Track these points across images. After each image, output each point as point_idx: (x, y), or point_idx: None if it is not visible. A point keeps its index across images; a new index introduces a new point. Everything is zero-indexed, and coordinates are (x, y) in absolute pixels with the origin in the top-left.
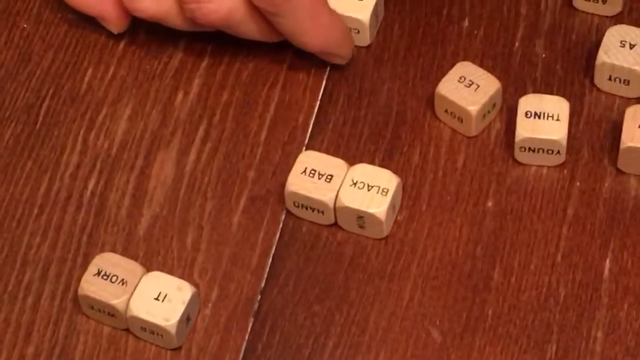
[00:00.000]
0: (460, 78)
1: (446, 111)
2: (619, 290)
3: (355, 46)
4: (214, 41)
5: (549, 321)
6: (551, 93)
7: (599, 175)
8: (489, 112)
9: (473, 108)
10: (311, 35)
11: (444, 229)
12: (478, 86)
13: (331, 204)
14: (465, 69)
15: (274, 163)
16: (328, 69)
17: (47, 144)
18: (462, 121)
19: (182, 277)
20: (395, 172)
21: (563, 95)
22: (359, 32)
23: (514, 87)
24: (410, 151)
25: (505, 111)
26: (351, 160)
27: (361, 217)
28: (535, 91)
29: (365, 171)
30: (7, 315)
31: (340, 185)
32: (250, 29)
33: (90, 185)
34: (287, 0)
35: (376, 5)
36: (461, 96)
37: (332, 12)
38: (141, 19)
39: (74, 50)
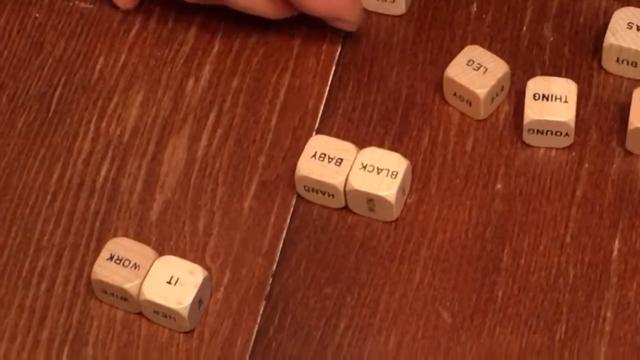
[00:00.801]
0: (469, 61)
1: (455, 94)
2: (627, 270)
3: (383, 17)
4: (224, 28)
5: (558, 301)
6: (559, 76)
7: (608, 156)
8: (497, 95)
9: (481, 91)
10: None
11: (453, 211)
12: (486, 69)
13: (341, 188)
14: (473, 52)
15: (284, 148)
16: (337, 54)
17: (59, 131)
18: (470, 104)
19: (194, 261)
20: (404, 155)
21: (571, 78)
22: (394, 0)
23: (522, 70)
24: (420, 135)
25: (514, 94)
26: (361, 144)
27: (371, 200)
28: (543, 74)
29: (374, 154)
30: (22, 300)
31: (350, 169)
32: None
33: (103, 172)
34: None
35: None
36: (470, 79)
37: None
38: None
39: (85, 38)
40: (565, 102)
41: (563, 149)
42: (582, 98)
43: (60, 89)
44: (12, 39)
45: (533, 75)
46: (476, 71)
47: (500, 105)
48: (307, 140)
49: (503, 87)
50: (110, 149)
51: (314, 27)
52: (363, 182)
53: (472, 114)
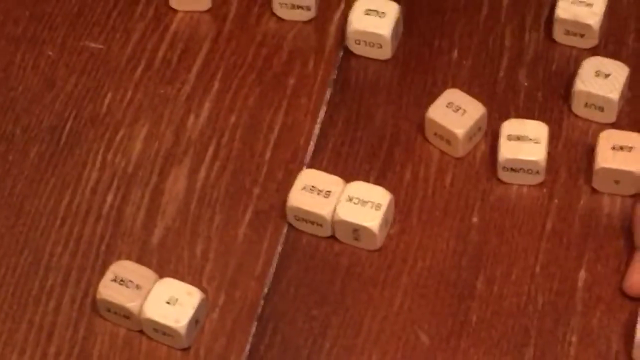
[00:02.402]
0: (449, 104)
1: (435, 134)
2: (592, 298)
3: (370, 61)
4: (224, 69)
5: (527, 326)
6: (532, 118)
7: (575, 193)
8: (474, 135)
9: (460, 131)
10: None
11: (432, 241)
12: (465, 111)
13: (329, 218)
14: (453, 95)
15: (277, 180)
16: (328, 94)
17: (69, 161)
18: (450, 143)
19: (192, 283)
20: (388, 189)
21: (543, 120)
22: (381, 46)
23: (498, 112)
24: (403, 170)
25: (490, 134)
26: (348, 178)
27: (356, 230)
28: (517, 116)
29: (360, 188)
30: (31, 317)
31: (338, 201)
32: None
33: (109, 199)
34: None
35: (397, 21)
36: (449, 120)
37: None
38: None
39: (95, 76)
40: (537, 142)
41: (535, 185)
42: (553, 139)
43: (70, 122)
44: (26, 75)
45: (508, 117)
46: (455, 113)
47: (477, 144)
48: (298, 174)
49: (480, 127)
50: (115, 178)
51: (307, 71)
52: (349, 213)
53: (451, 152)
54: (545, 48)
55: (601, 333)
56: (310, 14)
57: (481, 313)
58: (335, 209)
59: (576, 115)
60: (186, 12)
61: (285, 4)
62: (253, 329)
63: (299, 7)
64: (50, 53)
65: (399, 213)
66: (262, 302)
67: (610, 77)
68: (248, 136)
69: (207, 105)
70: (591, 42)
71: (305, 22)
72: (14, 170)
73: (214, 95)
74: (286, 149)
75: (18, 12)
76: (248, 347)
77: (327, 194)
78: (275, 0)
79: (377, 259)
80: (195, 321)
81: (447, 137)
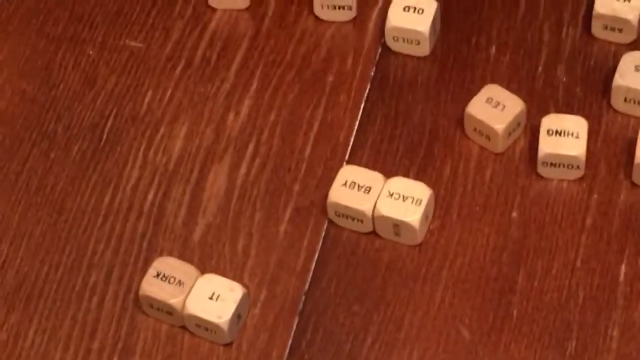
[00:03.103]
0: (488, 99)
1: (475, 129)
2: (633, 292)
3: (408, 58)
4: (263, 67)
5: (569, 321)
6: (571, 113)
7: (615, 188)
8: (514, 130)
9: (500, 126)
10: None
11: (472, 236)
12: (504, 106)
13: (369, 214)
14: (492, 91)
15: (317, 177)
16: (367, 91)
17: (110, 159)
18: (489, 139)
19: (233, 279)
20: (428, 184)
21: (582, 115)
22: (419, 43)
23: (537, 107)
24: (442, 166)
25: (529, 130)
26: (388, 174)
27: (397, 225)
28: (556, 111)
29: (400, 183)
30: (75, 313)
31: (378, 196)
32: None
33: (150, 197)
34: None
35: (435, 17)
36: (489, 116)
37: None
38: None
39: (135, 74)
40: (577, 137)
41: (574, 180)
42: (592, 134)
43: (111, 120)
44: (67, 74)
45: (547, 112)
46: (495, 108)
47: (516, 140)
48: (338, 170)
49: (519, 123)
50: (157, 175)
51: (346, 68)
52: (390, 209)
53: (491, 147)
54: (583, 43)
55: None
56: (352, 14)
57: (522, 308)
58: (375, 205)
59: (615, 110)
60: (225, 10)
61: (327, 5)
62: (294, 325)
63: (340, 7)
64: (91, 52)
65: (439, 208)
66: (303, 297)
67: None
68: (288, 133)
69: (246, 102)
70: (630, 37)
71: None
72: (55, 168)
73: (253, 92)
74: (326, 145)
75: (58, 12)
76: (290, 342)
77: (368, 189)
78: (316, 2)
79: (418, 255)
80: (237, 316)
81: (487, 132)
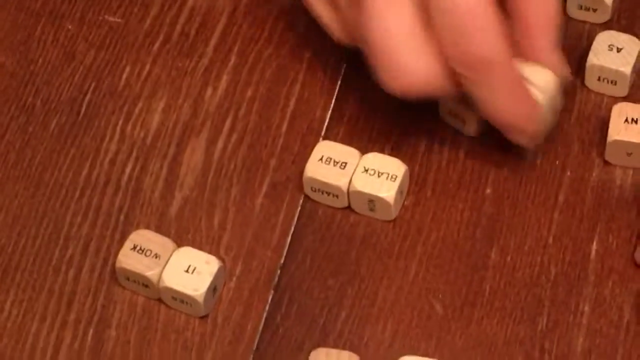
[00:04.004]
0: None
1: (449, 113)
2: (604, 269)
3: None
4: (240, 43)
5: (540, 296)
6: None
7: (588, 166)
8: None
9: (473, 109)
10: (502, 107)
11: (446, 213)
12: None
13: (345, 189)
14: None
15: (293, 152)
16: (343, 69)
17: (88, 133)
18: (464, 122)
19: (209, 253)
20: (403, 161)
21: None
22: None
23: None
24: (417, 143)
25: None
26: (363, 150)
27: (372, 201)
28: None
29: (376, 159)
30: (51, 285)
31: (354, 172)
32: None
33: (127, 171)
34: (489, 71)
35: None
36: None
37: (527, 89)
38: None
39: (113, 49)
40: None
41: (547, 158)
42: (566, 112)
43: (89, 95)
44: (46, 48)
45: None
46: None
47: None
48: (314, 146)
49: None
50: (134, 150)
51: (323, 45)
52: (365, 184)
53: (465, 131)
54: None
55: (613, 303)
56: None
57: (494, 283)
58: (351, 180)
59: (589, 89)
60: None
61: None
62: (270, 298)
63: None
64: (70, 27)
65: (414, 184)
66: (278, 271)
67: (622, 50)
68: (265, 109)
69: (224, 78)
70: (604, 16)
71: None
72: (33, 142)
73: (231, 68)
74: (302, 121)
75: None
76: (265, 315)
77: (343, 165)
78: None
79: (392, 230)
80: (213, 289)
81: (463, 116)
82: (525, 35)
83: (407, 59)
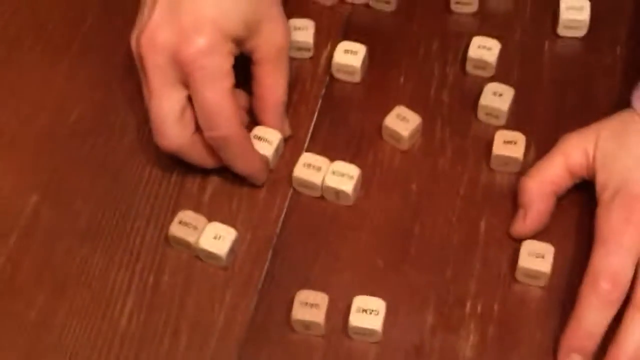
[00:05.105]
0: (398, 115)
1: (389, 135)
2: (489, 239)
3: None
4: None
5: (447, 257)
6: (449, 124)
7: (479, 170)
8: (414, 135)
9: (405, 133)
10: (239, 166)
11: (386, 201)
12: (409, 120)
13: (320, 184)
14: (400, 109)
15: (286, 160)
16: (319, 105)
17: (151, 145)
18: (399, 141)
19: (229, 226)
20: (358, 166)
21: (457, 125)
22: (354, 73)
23: (430, 120)
24: (367, 155)
25: (423, 135)
26: (332, 159)
27: (337, 192)
28: (442, 123)
29: (340, 165)
30: (125, 246)
31: (326, 173)
32: (197, 157)
33: (176, 171)
34: (228, 144)
35: (364, 57)
36: (398, 126)
37: (256, 153)
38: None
39: None
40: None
41: (453, 166)
42: (465, 137)
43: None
44: (125, 82)
45: (436, 123)
46: (401, 121)
47: (415, 142)
48: (300, 156)
49: (418, 130)
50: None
51: (305, 87)
52: (333, 181)
53: (400, 146)
54: (460, 77)
55: (495, 261)
56: (310, 54)
57: (417, 247)
58: (324, 179)
59: (480, 121)
60: None
61: (294, 48)
62: (269, 256)
63: (302, 49)
64: None
65: (365, 182)
66: (275, 238)
67: (502, 95)
68: None
69: None
70: (490, 73)
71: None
72: (112, 151)
73: None
74: (292, 140)
75: None
76: (266, 267)
77: (319, 169)
78: None
79: (351, 212)
80: (232, 250)
81: (397, 137)
82: (261, 111)
83: (169, 131)
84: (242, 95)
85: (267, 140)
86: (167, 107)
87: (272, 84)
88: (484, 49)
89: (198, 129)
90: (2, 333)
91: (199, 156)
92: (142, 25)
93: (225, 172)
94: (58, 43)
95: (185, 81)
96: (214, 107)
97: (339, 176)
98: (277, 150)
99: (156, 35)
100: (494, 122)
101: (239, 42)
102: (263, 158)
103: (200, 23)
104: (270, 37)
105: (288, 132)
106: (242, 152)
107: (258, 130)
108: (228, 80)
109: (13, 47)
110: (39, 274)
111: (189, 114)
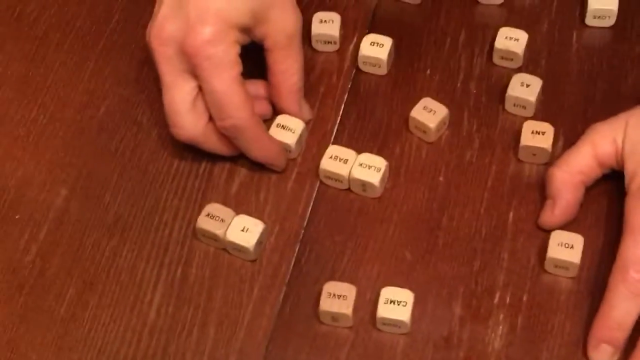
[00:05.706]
0: (424, 107)
1: (415, 127)
2: (517, 230)
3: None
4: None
5: (475, 248)
6: (478, 115)
7: (506, 162)
8: (441, 127)
9: (432, 125)
10: (255, 153)
11: (413, 193)
12: (435, 111)
13: (346, 176)
14: (427, 101)
15: (312, 153)
16: (345, 97)
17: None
18: (425, 132)
19: (257, 218)
20: (385, 158)
21: (485, 116)
22: (380, 66)
23: (457, 111)
24: (394, 147)
25: (450, 126)
26: (359, 151)
27: (364, 184)
28: (469, 115)
29: (367, 157)
30: (153, 239)
31: (352, 165)
32: (214, 146)
33: (203, 164)
34: (241, 132)
35: (390, 49)
36: (425, 117)
37: (271, 139)
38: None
39: None
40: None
41: (480, 157)
42: (492, 127)
43: None
44: (151, 81)
45: (463, 115)
46: (428, 112)
47: (442, 134)
48: (327, 148)
49: (445, 122)
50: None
51: (331, 80)
52: (360, 173)
53: (426, 138)
54: (487, 68)
55: (523, 252)
56: (336, 47)
57: (445, 239)
58: (350, 171)
59: (507, 112)
60: None
61: (320, 41)
62: (297, 248)
63: (328, 42)
64: None
65: (392, 174)
66: (302, 231)
67: (530, 86)
68: None
69: None
70: (518, 64)
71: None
72: (141, 145)
73: None
74: (319, 132)
75: None
76: (293, 259)
77: (345, 161)
78: (313, 39)
79: (378, 204)
80: (259, 243)
81: (423, 129)
82: (276, 98)
83: (182, 121)
84: (261, 85)
85: (290, 129)
86: (179, 98)
87: (285, 70)
88: (511, 40)
89: (212, 118)
90: (33, 328)
91: (215, 145)
92: (153, 19)
93: (252, 164)
94: (85, 40)
95: (194, 72)
96: (223, 96)
97: (366, 168)
98: (300, 138)
99: (164, 27)
100: (521, 113)
101: (246, 30)
102: (280, 144)
103: (205, 14)
104: (279, 24)
105: (308, 116)
106: (255, 139)
107: (281, 119)
108: (235, 68)
109: (41, 44)
110: (69, 268)
111: (201, 103)
